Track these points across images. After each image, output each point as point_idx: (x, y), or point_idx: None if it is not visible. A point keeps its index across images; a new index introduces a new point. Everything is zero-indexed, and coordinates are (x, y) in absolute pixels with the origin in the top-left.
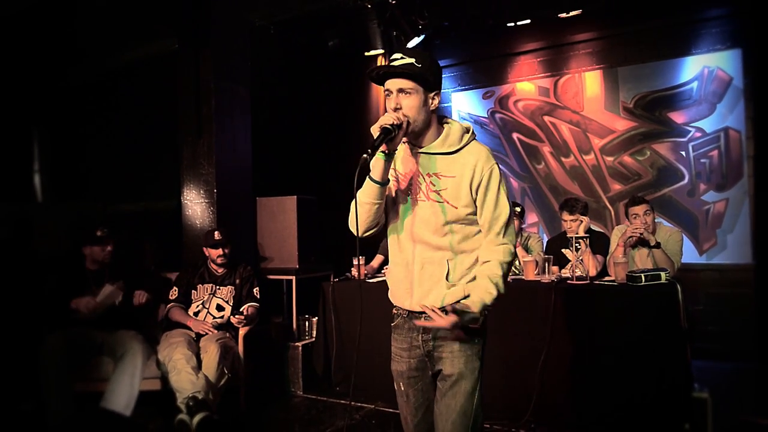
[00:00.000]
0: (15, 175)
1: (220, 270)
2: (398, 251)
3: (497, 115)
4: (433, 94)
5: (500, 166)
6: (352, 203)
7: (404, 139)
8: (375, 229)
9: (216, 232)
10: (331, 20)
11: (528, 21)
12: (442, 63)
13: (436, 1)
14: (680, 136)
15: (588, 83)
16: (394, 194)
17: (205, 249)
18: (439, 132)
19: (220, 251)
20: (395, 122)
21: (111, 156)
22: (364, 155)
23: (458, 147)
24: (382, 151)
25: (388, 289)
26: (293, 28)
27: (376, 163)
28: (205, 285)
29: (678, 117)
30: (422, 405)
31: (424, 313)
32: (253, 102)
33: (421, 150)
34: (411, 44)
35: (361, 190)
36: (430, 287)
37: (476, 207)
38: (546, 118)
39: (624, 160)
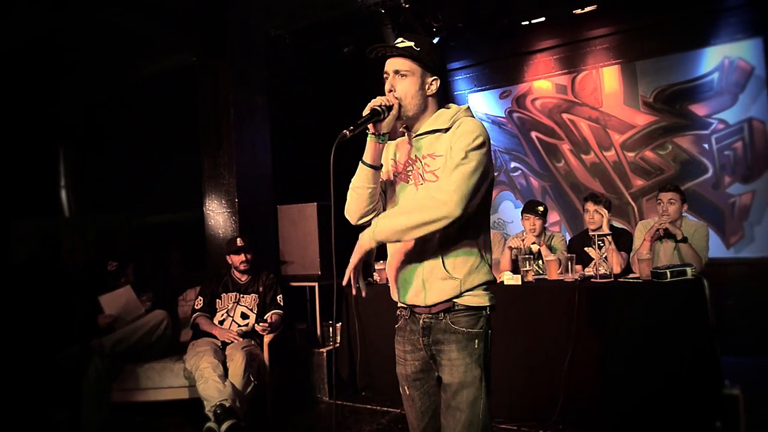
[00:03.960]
0: (42, 191)
1: (244, 278)
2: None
3: (515, 115)
4: (431, 78)
5: (519, 165)
6: (349, 191)
7: (402, 126)
8: (371, 217)
9: (238, 239)
10: (346, 27)
11: (543, 19)
12: (457, 64)
13: (449, 2)
14: (703, 128)
15: (606, 79)
16: (393, 181)
17: (228, 257)
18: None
19: (242, 257)
20: (385, 103)
21: (134, 169)
22: (345, 131)
23: (449, 125)
24: (373, 133)
25: None
26: (309, 37)
27: (367, 145)
28: (229, 294)
29: (700, 109)
30: (429, 409)
31: (422, 312)
32: (271, 111)
33: (414, 135)
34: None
35: (354, 175)
36: (427, 279)
37: None
38: (564, 116)
39: (646, 155)
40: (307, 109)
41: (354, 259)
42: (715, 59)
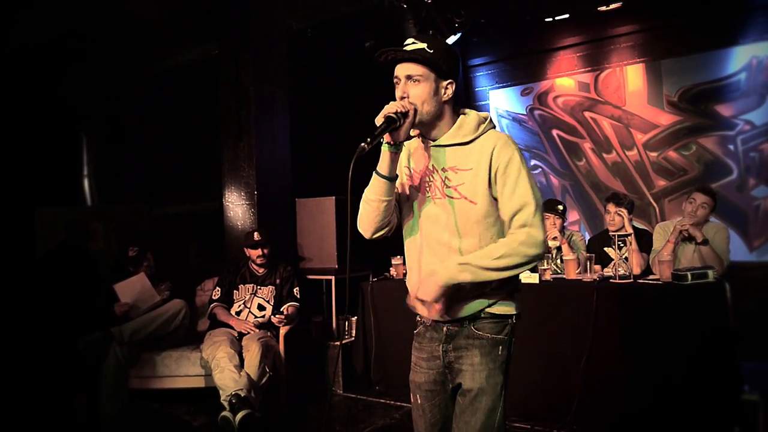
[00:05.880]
0: (65, 180)
1: (261, 270)
2: (413, 255)
3: (536, 112)
4: (446, 83)
5: (540, 163)
6: (361, 202)
7: (415, 132)
8: (386, 230)
9: (255, 233)
10: (368, 21)
11: (567, 15)
12: (479, 60)
13: None
14: (728, 129)
15: (630, 77)
16: (408, 193)
17: (245, 249)
18: (453, 123)
19: (259, 251)
20: (400, 110)
21: (155, 160)
22: (363, 144)
23: (473, 136)
24: (388, 143)
25: None
26: (330, 31)
27: (383, 155)
28: (247, 285)
29: (725, 110)
30: (438, 422)
31: (447, 322)
32: (291, 104)
33: (433, 143)
34: (448, 42)
35: (368, 186)
36: (453, 296)
37: (497, 200)
38: (586, 114)
39: (669, 156)
40: (327, 103)
41: (435, 295)
42: (742, 59)
